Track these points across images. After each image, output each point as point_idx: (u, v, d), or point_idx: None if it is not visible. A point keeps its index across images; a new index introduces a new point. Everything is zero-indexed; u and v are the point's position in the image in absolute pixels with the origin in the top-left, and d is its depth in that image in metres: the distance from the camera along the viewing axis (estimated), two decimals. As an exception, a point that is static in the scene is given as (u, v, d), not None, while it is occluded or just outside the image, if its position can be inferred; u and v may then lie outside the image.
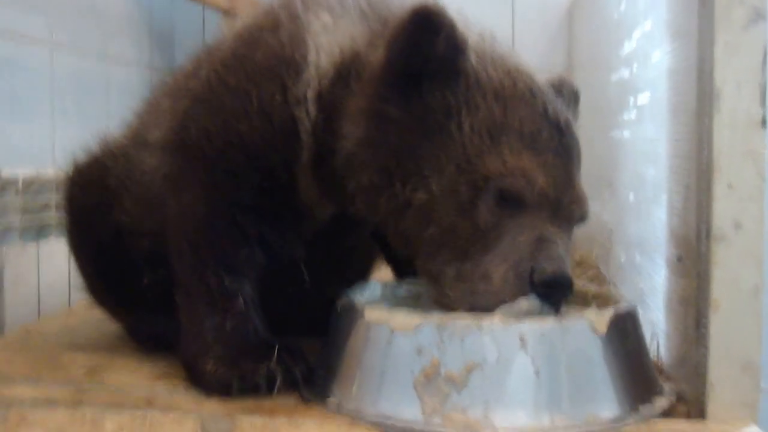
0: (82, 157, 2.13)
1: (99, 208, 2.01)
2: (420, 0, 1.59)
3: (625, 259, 2.53)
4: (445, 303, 1.60)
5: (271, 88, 1.75)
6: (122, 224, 1.97)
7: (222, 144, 1.77)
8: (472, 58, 1.60)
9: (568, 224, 1.62)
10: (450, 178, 1.56)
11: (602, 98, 2.99)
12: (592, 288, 1.92)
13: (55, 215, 2.52)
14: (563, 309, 1.87)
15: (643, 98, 2.16)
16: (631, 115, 2.36)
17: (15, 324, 2.34)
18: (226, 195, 1.78)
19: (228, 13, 3.84)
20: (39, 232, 2.50)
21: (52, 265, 2.32)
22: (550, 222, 1.58)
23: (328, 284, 2.02)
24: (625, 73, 2.50)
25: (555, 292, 1.55)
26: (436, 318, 1.55)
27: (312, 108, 1.74)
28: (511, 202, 1.55)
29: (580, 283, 1.98)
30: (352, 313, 1.68)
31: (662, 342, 1.88)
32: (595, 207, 2.95)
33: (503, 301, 1.54)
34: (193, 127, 1.81)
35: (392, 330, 1.58)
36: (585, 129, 2.74)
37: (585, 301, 1.89)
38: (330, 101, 1.72)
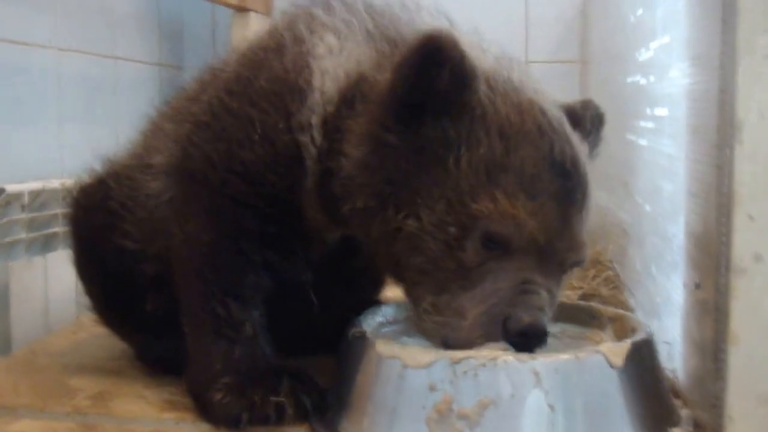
0: (86, 177, 2.09)
1: (103, 231, 1.97)
2: (431, 29, 1.54)
3: (641, 267, 2.49)
4: (420, 330, 1.60)
5: (275, 115, 1.71)
6: (126, 248, 1.94)
7: (225, 171, 1.74)
8: (482, 90, 1.55)
9: (559, 270, 1.58)
10: (440, 213, 1.53)
11: (617, 97, 2.94)
12: (609, 310, 1.88)
13: (62, 226, 2.49)
14: (580, 331, 1.86)
15: (661, 111, 2.11)
16: (647, 124, 2.32)
17: (22, 338, 2.32)
18: (231, 222, 1.75)
19: (238, 9, 3.78)
20: (46, 245, 2.48)
21: (60, 277, 2.30)
22: (538, 268, 1.53)
23: (337, 304, 1.99)
24: (641, 80, 2.45)
25: (527, 343, 1.52)
26: (449, 353, 1.52)
27: (317, 134, 1.70)
28: (497, 245, 1.51)
29: (597, 304, 1.96)
30: (364, 345, 1.65)
31: (678, 363, 1.85)
32: (610, 203, 2.94)
33: (473, 343, 1.52)
34: (195, 153, 1.77)
35: (405, 365, 1.55)
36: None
37: (600, 323, 1.87)
38: (335, 126, 1.68)
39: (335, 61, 1.71)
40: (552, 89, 3.94)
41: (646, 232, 2.40)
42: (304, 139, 1.70)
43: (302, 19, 1.80)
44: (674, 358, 1.87)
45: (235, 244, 1.75)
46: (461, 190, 1.51)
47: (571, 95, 3.92)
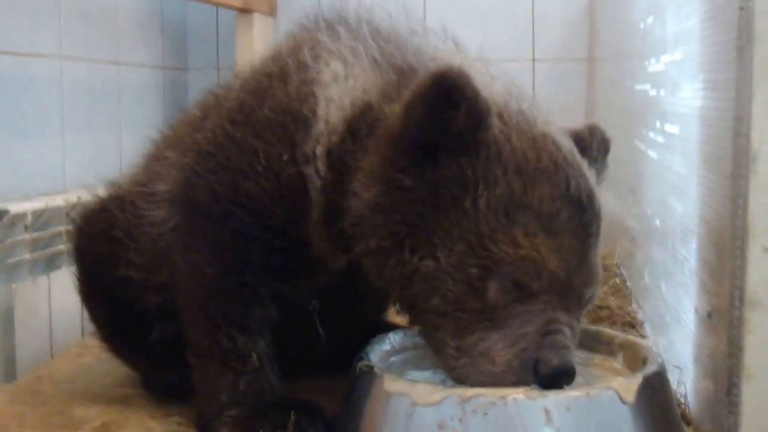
0: (89, 203, 2.07)
1: (107, 260, 1.95)
2: (442, 66, 1.49)
3: (650, 281, 2.47)
4: (450, 375, 1.56)
5: (279, 147, 1.68)
6: (131, 278, 1.92)
7: (229, 203, 1.71)
8: (496, 126, 1.51)
9: (578, 305, 1.55)
10: (460, 254, 1.49)
11: (625, 100, 2.92)
12: (619, 337, 1.85)
13: (66, 244, 2.47)
14: (590, 357, 1.83)
15: (672, 128, 2.08)
16: (657, 137, 2.28)
17: (27, 361, 2.30)
18: (236, 254, 1.72)
19: (242, 10, 3.75)
20: (49, 264, 2.46)
21: (64, 295, 2.27)
22: (560, 306, 1.51)
23: (342, 326, 1.98)
24: (651, 90, 2.42)
25: (557, 383, 1.50)
26: (458, 390, 1.50)
27: (322, 166, 1.66)
28: (520, 287, 1.49)
29: (608, 330, 1.93)
30: (371, 380, 1.62)
31: (689, 389, 1.82)
32: (617, 207, 2.92)
33: (506, 387, 1.49)
34: (199, 184, 1.74)
35: (414, 402, 1.52)
36: (607, 128, 2.69)
37: (611, 350, 1.84)
38: (341, 158, 1.64)
39: (341, 89, 1.67)
40: (559, 87, 3.94)
41: (654, 246, 2.37)
42: (309, 171, 1.67)
43: (307, 44, 1.76)
44: (685, 383, 1.84)
45: (240, 277, 1.72)
46: (481, 231, 1.48)
47: (578, 93, 3.94)
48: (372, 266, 1.62)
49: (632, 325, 2.57)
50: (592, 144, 1.70)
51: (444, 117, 1.48)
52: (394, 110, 1.59)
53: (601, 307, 2.65)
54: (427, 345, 1.62)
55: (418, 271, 1.53)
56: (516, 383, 1.49)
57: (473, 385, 1.51)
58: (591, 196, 1.55)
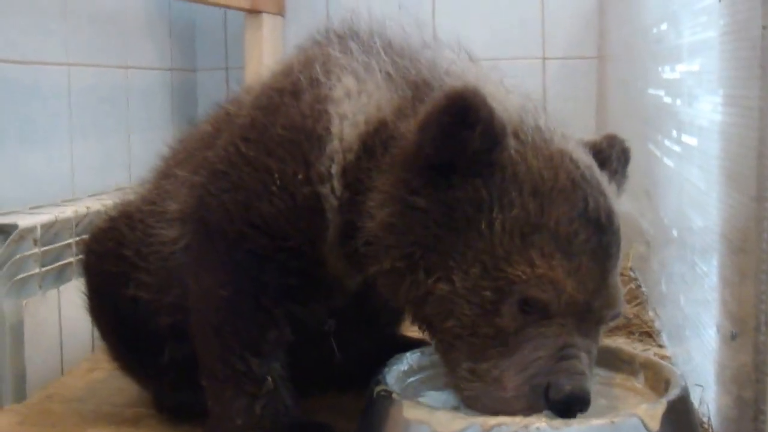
0: (99, 221, 2.04)
1: (117, 280, 1.92)
2: (457, 85, 1.47)
3: (667, 290, 2.43)
4: (460, 396, 1.53)
5: (293, 166, 1.64)
6: (141, 299, 1.89)
7: (243, 224, 1.67)
8: (512, 146, 1.48)
9: (596, 327, 1.52)
10: (475, 277, 1.46)
11: (637, 102, 2.89)
12: (640, 356, 1.82)
13: (75, 256, 2.44)
14: (611, 376, 1.80)
15: (690, 140, 2.04)
16: (674, 146, 2.25)
17: (38, 377, 2.27)
18: (250, 275, 1.69)
19: (250, 11, 3.72)
20: (59, 277, 2.43)
21: (74, 308, 2.25)
22: (577, 329, 1.47)
23: (359, 342, 1.95)
24: (666, 97, 2.38)
25: (570, 410, 1.46)
26: (480, 419, 1.46)
27: (337, 185, 1.63)
28: (536, 310, 1.45)
29: (628, 348, 1.90)
30: (390, 406, 1.58)
31: (712, 409, 1.79)
32: (632, 209, 2.88)
33: (514, 414, 1.46)
34: (212, 203, 1.71)
35: (433, 431, 1.49)
36: (618, 128, 2.65)
37: (632, 369, 1.81)
38: (356, 177, 1.61)
39: (354, 106, 1.64)
40: (569, 86, 3.90)
41: (672, 255, 2.33)
42: (325, 190, 1.63)
43: (318, 59, 1.72)
44: (707, 402, 1.81)
45: (254, 299, 1.69)
46: (496, 254, 1.45)
47: (589, 92, 3.90)
48: (386, 287, 1.60)
49: (649, 334, 2.54)
50: (611, 156, 1.67)
51: (459, 138, 1.45)
52: (408, 128, 1.56)
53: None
54: (442, 362, 1.60)
55: (433, 294, 1.50)
56: (526, 410, 1.46)
57: (482, 410, 1.49)
58: (610, 215, 1.51)
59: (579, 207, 1.47)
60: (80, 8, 2.95)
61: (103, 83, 3.14)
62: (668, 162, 2.36)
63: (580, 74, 3.98)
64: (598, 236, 1.47)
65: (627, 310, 2.68)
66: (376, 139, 1.61)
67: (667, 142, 2.37)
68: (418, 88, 1.63)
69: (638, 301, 2.81)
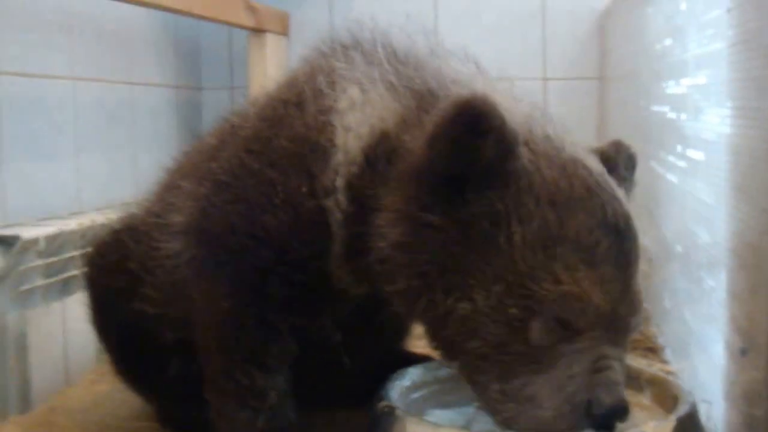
0: (102, 235, 2.03)
1: (121, 293, 1.91)
2: (465, 95, 1.43)
3: (671, 307, 2.43)
4: (497, 419, 1.48)
5: (297, 178, 1.62)
6: (146, 313, 1.87)
7: (246, 236, 1.65)
8: (525, 156, 1.44)
9: (625, 335, 1.48)
10: (498, 296, 1.41)
11: (639, 121, 2.89)
12: (646, 371, 1.81)
13: (79, 269, 2.44)
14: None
15: (695, 154, 2.04)
16: (679, 162, 2.25)
17: (42, 389, 2.26)
18: (253, 288, 1.67)
19: (255, 30, 3.73)
20: (63, 290, 2.43)
21: (79, 321, 2.23)
22: (607, 339, 1.44)
23: (363, 356, 1.94)
24: (670, 113, 2.38)
25: (612, 422, 1.43)
26: (484, 435, 1.45)
27: (342, 198, 1.60)
28: (564, 326, 1.42)
29: (634, 363, 1.89)
30: (393, 422, 1.57)
31: (720, 426, 1.78)
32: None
33: None
34: (215, 215, 1.69)
35: (438, 447, 1.48)
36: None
37: (639, 385, 1.80)
38: (360, 190, 1.58)
39: (358, 117, 1.61)
40: (570, 106, 3.91)
41: (676, 271, 2.33)
42: (329, 203, 1.61)
43: (322, 70, 1.71)
44: (714, 419, 1.80)
45: (258, 312, 1.67)
46: (519, 270, 1.40)
47: (589, 112, 3.91)
48: (403, 307, 1.57)
49: (653, 350, 2.53)
50: (619, 162, 1.65)
51: (471, 148, 1.40)
52: (414, 141, 1.53)
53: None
54: (468, 385, 1.54)
55: (454, 313, 1.45)
56: (569, 428, 1.42)
57: (523, 430, 1.45)
58: (628, 221, 1.49)
59: (598, 215, 1.44)
60: (85, 23, 2.95)
61: (108, 99, 3.14)
62: (672, 178, 2.36)
63: (581, 95, 3.99)
64: (618, 243, 1.45)
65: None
66: (378, 151, 1.58)
67: (671, 158, 2.36)
68: (423, 98, 1.60)
69: (640, 318, 2.80)
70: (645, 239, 2.77)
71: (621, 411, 1.42)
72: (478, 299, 1.42)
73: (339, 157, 1.60)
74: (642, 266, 2.89)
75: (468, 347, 1.46)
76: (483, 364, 1.45)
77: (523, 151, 1.45)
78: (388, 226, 1.51)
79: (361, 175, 1.59)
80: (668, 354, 2.46)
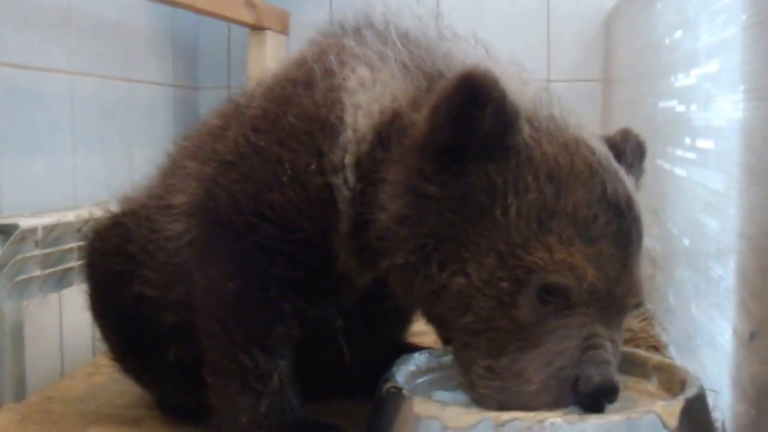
0: (101, 219, 2.00)
1: (121, 278, 1.88)
2: (467, 67, 1.43)
3: (676, 303, 2.40)
4: (472, 396, 1.48)
5: (306, 155, 1.61)
6: (146, 295, 1.85)
7: (253, 215, 1.63)
8: (526, 131, 1.44)
9: (619, 316, 1.46)
10: (490, 267, 1.40)
11: (645, 120, 2.86)
12: (653, 359, 1.78)
13: (77, 261, 2.41)
14: (623, 380, 1.76)
15: (705, 144, 2.01)
16: (687, 154, 2.22)
17: (37, 380, 2.24)
18: (259, 269, 1.64)
19: (254, 28, 3.71)
20: (60, 281, 2.40)
21: (75, 313, 2.21)
22: (600, 318, 1.42)
23: (364, 346, 1.92)
24: (678, 106, 2.36)
25: (599, 401, 1.41)
26: (492, 414, 1.42)
27: (350, 175, 1.59)
28: (556, 299, 1.40)
29: (642, 351, 1.86)
30: (400, 402, 1.54)
31: (727, 414, 1.75)
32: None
33: (539, 409, 1.40)
34: (221, 195, 1.67)
35: (445, 427, 1.45)
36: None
37: (645, 372, 1.77)
38: (369, 168, 1.57)
39: (369, 96, 1.60)
40: (574, 108, 3.89)
41: (681, 266, 2.30)
42: (337, 181, 1.59)
43: (332, 49, 1.69)
44: (721, 407, 1.77)
45: (262, 293, 1.64)
46: (512, 241, 1.39)
47: (593, 115, 3.89)
48: (399, 283, 1.55)
49: (656, 347, 2.50)
50: (626, 150, 1.63)
51: (470, 119, 1.40)
52: (421, 120, 1.52)
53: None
54: (456, 362, 1.54)
55: (448, 288, 1.45)
56: (552, 404, 1.40)
57: (496, 407, 1.43)
58: (630, 202, 1.47)
59: (597, 192, 1.42)
60: (84, 18, 2.94)
61: (105, 94, 3.12)
62: (679, 172, 2.33)
63: (584, 96, 3.97)
64: (618, 221, 1.42)
65: (635, 324, 2.65)
66: (390, 130, 1.57)
67: (679, 152, 2.34)
68: (433, 79, 1.60)
69: (644, 316, 2.77)
70: (650, 239, 2.76)
71: (609, 390, 1.41)
72: (472, 273, 1.42)
73: (348, 135, 1.59)
74: (645, 269, 2.87)
75: (461, 323, 1.46)
76: (473, 340, 1.45)
77: (525, 127, 1.44)
78: (390, 199, 1.51)
79: (370, 152, 1.58)
80: (672, 351, 2.43)
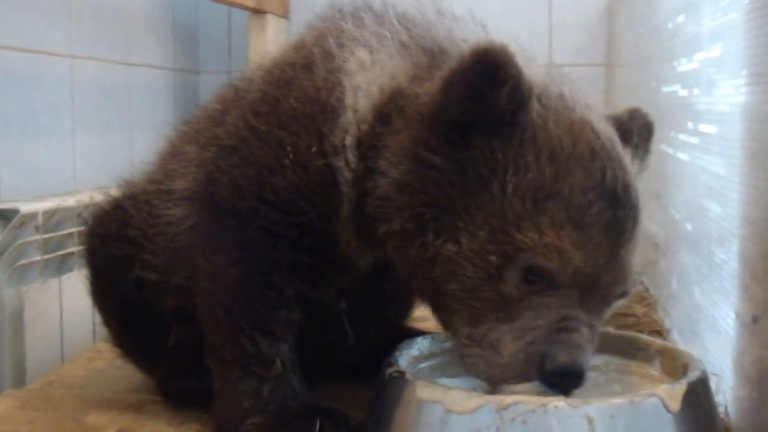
0: (101, 204, 1.99)
1: (122, 262, 1.88)
2: (483, 43, 1.41)
3: (678, 287, 2.39)
4: (461, 363, 1.49)
5: (307, 138, 1.60)
6: (146, 280, 1.85)
7: (255, 199, 1.63)
8: (535, 109, 1.43)
9: (604, 303, 1.46)
10: (482, 240, 1.41)
11: (648, 105, 2.81)
12: (656, 343, 1.78)
13: (77, 246, 2.41)
14: (626, 364, 1.76)
15: (708, 128, 2.00)
16: (690, 139, 2.21)
17: (38, 366, 2.23)
18: (261, 253, 1.64)
19: (255, 11, 3.69)
20: (60, 267, 2.40)
21: (76, 299, 2.21)
22: (580, 303, 1.42)
23: (366, 331, 1.92)
24: (681, 91, 2.35)
25: (563, 383, 1.42)
26: (496, 398, 1.42)
27: (352, 157, 1.59)
28: (540, 278, 1.40)
29: (645, 336, 1.86)
30: (403, 387, 1.54)
31: (728, 398, 1.75)
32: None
33: (506, 380, 1.43)
34: (222, 180, 1.67)
35: (448, 410, 1.45)
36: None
37: (648, 356, 1.77)
38: (370, 146, 1.57)
39: (368, 77, 1.60)
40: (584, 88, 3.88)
41: (684, 251, 2.29)
42: (339, 162, 1.59)
43: (331, 33, 1.69)
44: (723, 391, 1.77)
45: (265, 277, 1.64)
46: (505, 217, 1.40)
47: (596, 99, 3.85)
48: (395, 249, 1.56)
49: (659, 332, 2.50)
50: (633, 129, 1.62)
51: (486, 96, 1.39)
52: (426, 89, 1.52)
53: (626, 315, 2.58)
54: (443, 329, 1.58)
55: (440, 255, 1.46)
56: (518, 376, 1.42)
57: (480, 375, 1.46)
58: (628, 190, 1.45)
59: (595, 177, 1.42)
60: (84, 1, 2.93)
61: (105, 78, 3.11)
62: (682, 156, 2.33)
63: (587, 81, 3.92)
64: (612, 209, 1.42)
65: (638, 310, 2.65)
66: (391, 106, 1.57)
67: (681, 136, 2.33)
68: (434, 55, 1.60)
69: (647, 302, 2.77)
70: (652, 225, 2.75)
71: (574, 373, 1.41)
72: (464, 242, 1.43)
73: (348, 116, 1.59)
74: (648, 254, 2.87)
75: (447, 290, 1.47)
76: (458, 307, 1.46)
77: (534, 105, 1.44)
78: (391, 165, 1.51)
79: (371, 131, 1.58)
80: (675, 336, 2.43)
